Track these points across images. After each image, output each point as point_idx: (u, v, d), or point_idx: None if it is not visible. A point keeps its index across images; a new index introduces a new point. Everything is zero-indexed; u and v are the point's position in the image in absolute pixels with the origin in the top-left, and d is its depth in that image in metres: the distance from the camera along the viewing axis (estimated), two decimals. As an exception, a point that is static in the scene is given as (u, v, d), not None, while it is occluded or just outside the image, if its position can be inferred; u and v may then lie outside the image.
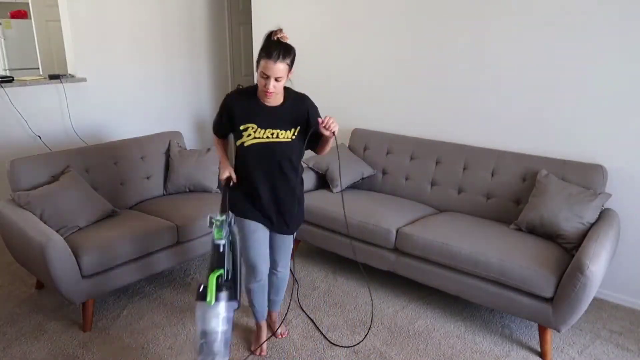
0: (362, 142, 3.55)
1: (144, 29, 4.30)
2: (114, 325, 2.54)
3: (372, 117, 3.68)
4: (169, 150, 3.36)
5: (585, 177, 2.64)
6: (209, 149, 3.37)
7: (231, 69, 5.32)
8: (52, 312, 2.65)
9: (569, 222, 2.45)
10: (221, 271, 1.85)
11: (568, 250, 2.43)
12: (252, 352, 2.36)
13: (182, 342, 2.42)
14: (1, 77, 3.51)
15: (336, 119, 1.98)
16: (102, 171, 3.01)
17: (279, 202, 2.15)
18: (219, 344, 1.81)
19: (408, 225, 2.75)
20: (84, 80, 3.92)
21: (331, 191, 3.23)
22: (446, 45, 3.18)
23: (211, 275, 1.82)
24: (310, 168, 3.39)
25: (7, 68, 6.10)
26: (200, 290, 1.82)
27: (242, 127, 2.03)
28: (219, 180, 2.26)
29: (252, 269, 2.20)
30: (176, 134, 3.47)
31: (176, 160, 3.28)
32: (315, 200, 3.09)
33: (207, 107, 5.07)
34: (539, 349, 2.37)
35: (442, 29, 3.18)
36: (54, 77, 3.75)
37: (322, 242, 3.08)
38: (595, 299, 2.87)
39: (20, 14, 6.33)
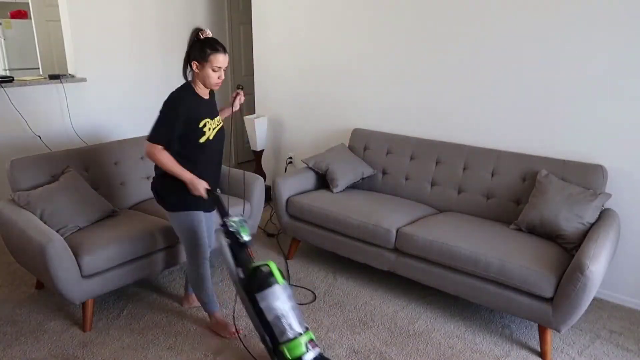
0: (362, 142, 3.55)
1: (144, 29, 4.30)
2: (114, 325, 2.54)
3: (372, 117, 3.68)
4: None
5: (585, 177, 2.64)
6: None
7: (231, 69, 5.32)
8: (52, 312, 2.65)
9: (569, 222, 2.45)
10: (270, 262, 2.02)
11: (568, 250, 2.43)
12: (234, 335, 2.43)
13: (182, 342, 2.42)
14: (1, 77, 3.52)
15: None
16: (102, 171, 3.01)
17: (217, 181, 2.38)
18: (298, 315, 1.96)
19: (408, 225, 2.75)
20: (84, 80, 3.92)
21: (331, 191, 3.23)
22: (446, 46, 3.18)
23: (270, 263, 2.01)
24: (310, 168, 3.38)
25: (7, 68, 6.10)
26: (262, 279, 1.95)
27: (201, 124, 2.19)
28: (193, 198, 2.22)
29: (203, 256, 2.35)
30: (176, 134, 3.47)
31: (176, 160, 3.28)
32: (315, 200, 3.09)
33: (207, 107, 5.06)
34: (539, 349, 2.37)
35: (442, 29, 3.18)
36: (54, 77, 3.75)
37: (321, 242, 3.08)
38: (595, 299, 2.87)
39: (20, 14, 6.33)
